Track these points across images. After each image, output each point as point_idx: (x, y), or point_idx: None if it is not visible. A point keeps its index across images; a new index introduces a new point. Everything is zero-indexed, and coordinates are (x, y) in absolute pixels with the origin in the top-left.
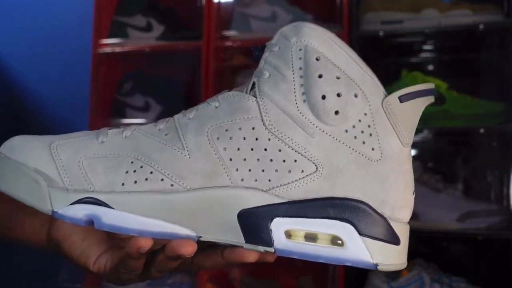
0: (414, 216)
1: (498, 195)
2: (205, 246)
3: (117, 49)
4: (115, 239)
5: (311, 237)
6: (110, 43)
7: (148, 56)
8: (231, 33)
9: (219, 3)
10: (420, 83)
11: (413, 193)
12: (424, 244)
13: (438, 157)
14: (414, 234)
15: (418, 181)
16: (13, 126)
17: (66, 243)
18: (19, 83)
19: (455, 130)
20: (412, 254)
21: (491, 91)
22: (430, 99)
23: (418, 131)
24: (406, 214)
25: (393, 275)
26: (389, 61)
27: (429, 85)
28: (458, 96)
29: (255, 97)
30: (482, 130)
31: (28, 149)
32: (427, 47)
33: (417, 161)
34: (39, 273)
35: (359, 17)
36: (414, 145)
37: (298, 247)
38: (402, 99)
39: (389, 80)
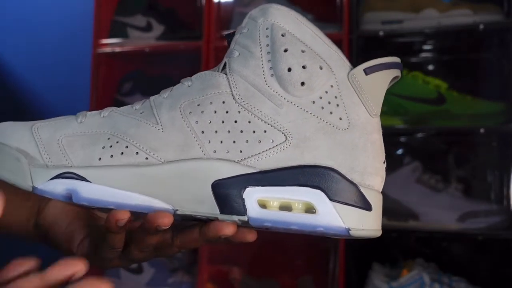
0: (414, 216)
1: (498, 195)
2: (183, 227)
3: (117, 49)
4: (97, 226)
5: (285, 207)
6: (110, 43)
7: (148, 56)
8: None
9: (219, 3)
10: (421, 83)
11: (384, 163)
12: (424, 244)
13: (438, 157)
14: (414, 234)
15: (418, 181)
16: None
17: (52, 230)
18: (19, 83)
19: (455, 130)
20: (412, 254)
21: (491, 91)
22: (395, 72)
23: (418, 130)
24: (377, 182)
25: (393, 275)
26: None
27: (394, 59)
28: (458, 96)
29: (226, 74)
30: (482, 130)
31: (11, 131)
32: (427, 47)
33: (417, 161)
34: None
35: (359, 17)
36: (414, 145)
37: (271, 215)
38: (367, 71)
39: None
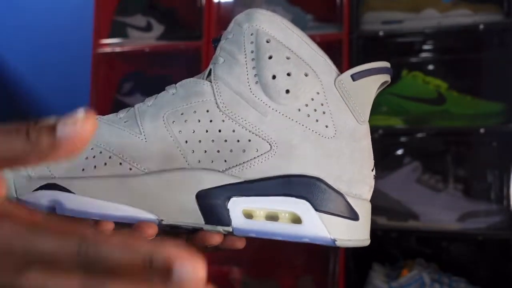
0: (414, 216)
1: (498, 195)
2: (170, 235)
3: (117, 49)
4: None
5: (272, 217)
6: (110, 43)
7: (148, 56)
8: None
9: (219, 3)
10: (421, 83)
11: (373, 170)
12: (424, 244)
13: (438, 157)
14: (414, 234)
15: (418, 181)
16: None
17: None
18: (19, 83)
19: (455, 130)
20: (412, 254)
21: (491, 91)
22: (384, 77)
23: (418, 130)
24: (365, 191)
25: (393, 275)
26: (389, 61)
27: (383, 63)
28: (458, 96)
29: (210, 82)
30: (482, 130)
31: None
32: (427, 47)
33: (417, 161)
34: None
35: (359, 17)
36: (414, 145)
37: (256, 225)
38: (354, 77)
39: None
